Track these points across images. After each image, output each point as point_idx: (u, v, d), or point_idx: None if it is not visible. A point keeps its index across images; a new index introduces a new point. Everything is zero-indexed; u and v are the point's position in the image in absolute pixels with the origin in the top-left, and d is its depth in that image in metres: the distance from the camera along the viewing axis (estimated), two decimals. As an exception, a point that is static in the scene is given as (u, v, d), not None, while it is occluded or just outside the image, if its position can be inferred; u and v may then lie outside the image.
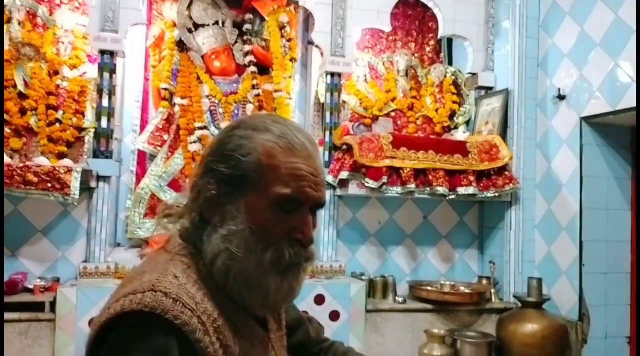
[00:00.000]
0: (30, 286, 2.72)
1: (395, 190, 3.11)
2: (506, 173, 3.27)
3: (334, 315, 2.97)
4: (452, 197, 3.20)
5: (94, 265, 2.86)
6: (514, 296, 3.18)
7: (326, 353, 1.27)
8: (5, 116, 2.87)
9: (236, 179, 0.93)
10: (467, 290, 3.32)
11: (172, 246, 0.98)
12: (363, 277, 3.26)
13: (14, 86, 2.90)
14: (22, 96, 2.92)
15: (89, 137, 2.99)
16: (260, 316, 1.02)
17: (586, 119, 3.07)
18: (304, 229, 0.95)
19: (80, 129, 2.99)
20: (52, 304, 2.64)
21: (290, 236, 0.94)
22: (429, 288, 3.28)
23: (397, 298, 3.21)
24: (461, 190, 3.18)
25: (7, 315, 2.58)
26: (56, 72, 3.04)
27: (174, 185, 3.17)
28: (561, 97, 3.20)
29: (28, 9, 3.07)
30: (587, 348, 2.98)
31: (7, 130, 2.89)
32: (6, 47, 2.95)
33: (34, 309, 2.64)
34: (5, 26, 2.99)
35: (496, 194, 3.25)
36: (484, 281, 3.44)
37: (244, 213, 0.93)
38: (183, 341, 0.83)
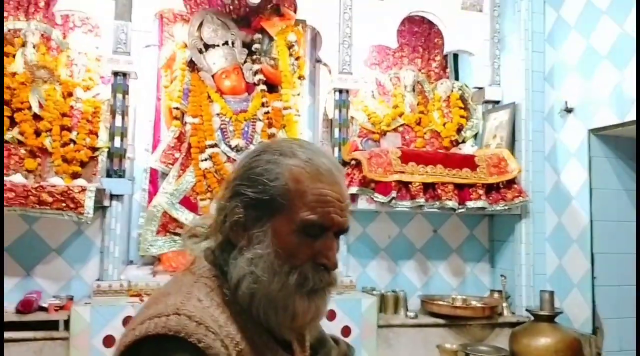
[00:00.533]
0: (45, 305, 2.74)
1: (404, 205, 3.13)
2: (515, 186, 3.28)
3: (346, 331, 2.97)
4: (462, 210, 3.21)
5: (108, 283, 2.89)
6: (527, 309, 3.16)
7: None
8: (21, 137, 2.94)
9: (263, 203, 0.95)
10: (479, 304, 3.31)
11: (197, 268, 1.00)
12: (374, 292, 3.26)
13: (29, 108, 2.97)
14: (37, 118, 2.98)
15: (102, 157, 3.04)
16: (286, 338, 1.02)
17: (594, 131, 3.08)
18: (328, 254, 0.97)
19: (94, 149, 3.05)
20: (67, 323, 2.67)
21: (315, 260, 0.96)
22: (440, 302, 3.27)
23: (408, 313, 3.21)
24: (471, 204, 3.19)
25: (22, 334, 2.61)
26: (70, 94, 3.11)
27: (185, 202, 3.21)
28: (569, 110, 3.22)
29: (43, 33, 3.15)
30: (602, 361, 2.96)
31: (22, 151, 2.95)
32: (21, 70, 3.02)
33: (49, 328, 2.67)
34: (20, 49, 3.07)
35: (506, 207, 3.26)
36: (496, 295, 3.43)
37: (271, 237, 0.94)
38: None
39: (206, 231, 1.04)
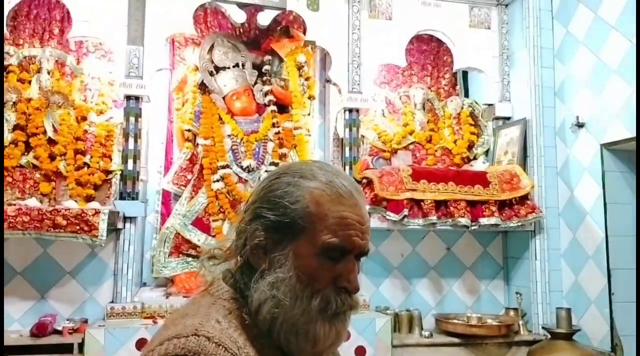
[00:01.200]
0: (59, 328, 2.75)
1: (417, 223, 3.12)
2: (528, 202, 3.26)
3: (360, 351, 2.94)
4: (475, 227, 3.19)
5: (121, 305, 2.89)
6: (543, 327, 3.12)
7: None
8: (36, 162, 2.98)
9: (284, 226, 0.94)
10: (494, 323, 3.26)
11: (216, 289, 0.99)
12: (388, 311, 3.23)
13: (44, 133, 3.01)
14: (51, 142, 3.02)
15: (115, 180, 3.07)
16: None
17: (607, 146, 3.06)
18: (349, 277, 0.96)
19: (107, 172, 3.08)
20: (81, 345, 2.67)
21: (337, 283, 0.95)
22: (455, 321, 3.23)
23: (423, 332, 3.18)
24: (484, 221, 3.17)
25: (37, 358, 2.62)
26: (84, 118, 3.15)
27: (198, 223, 3.23)
28: (580, 125, 3.21)
29: (57, 59, 3.21)
30: (622, 380, 2.90)
31: (37, 175, 2.99)
32: (36, 96, 3.08)
33: (63, 351, 2.67)
34: (35, 76, 3.13)
35: (519, 224, 3.23)
36: (512, 312, 3.38)
37: (292, 260, 0.94)
38: None
39: (224, 253, 1.04)
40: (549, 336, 3.03)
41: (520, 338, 3.20)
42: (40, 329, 2.71)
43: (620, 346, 2.92)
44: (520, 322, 3.28)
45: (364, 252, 0.99)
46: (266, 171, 3.33)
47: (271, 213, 0.95)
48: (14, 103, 3.03)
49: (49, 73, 3.16)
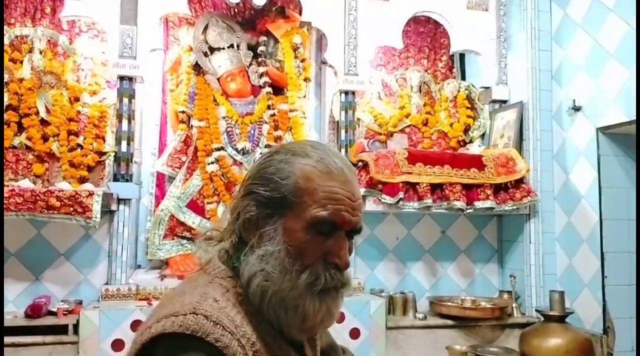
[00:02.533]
0: (54, 310, 2.75)
1: (412, 206, 3.11)
2: (524, 186, 3.26)
3: (354, 333, 2.96)
4: (470, 211, 3.19)
5: (116, 287, 2.89)
6: (537, 310, 3.14)
7: None
8: (29, 143, 2.95)
9: (275, 201, 0.96)
10: (488, 305, 3.28)
11: (212, 268, 1.00)
12: (382, 294, 3.24)
13: (37, 113, 2.98)
14: (44, 123, 2.99)
15: (109, 161, 3.04)
16: (298, 340, 1.02)
17: (603, 130, 3.06)
18: (340, 253, 0.96)
19: (101, 154, 3.05)
20: (76, 327, 2.67)
21: (326, 259, 0.96)
22: (449, 303, 3.25)
23: (417, 314, 3.19)
24: (479, 204, 3.17)
25: (32, 339, 2.62)
26: (77, 99, 3.12)
27: (192, 206, 3.21)
28: (577, 109, 3.20)
29: (49, 39, 3.17)
30: (614, 362, 2.93)
31: (30, 156, 2.96)
32: (29, 76, 3.04)
33: (58, 332, 2.67)
34: (27, 56, 3.08)
35: (514, 207, 3.23)
36: (505, 295, 3.40)
37: (281, 234, 0.95)
38: None
39: (220, 234, 1.05)
40: (542, 318, 3.05)
41: (513, 321, 3.23)
42: (34, 310, 2.70)
43: (612, 329, 2.95)
44: (514, 305, 3.30)
45: (356, 228, 0.99)
46: (261, 153, 3.31)
47: (263, 189, 0.97)
48: (6, 84, 2.98)
49: (41, 53, 3.12)
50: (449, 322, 3.14)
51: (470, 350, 2.99)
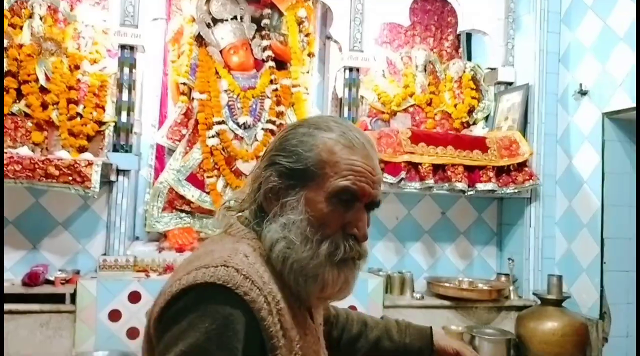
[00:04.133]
0: (52, 279, 2.74)
1: (413, 186, 3.10)
2: (526, 169, 3.24)
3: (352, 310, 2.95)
4: (471, 193, 3.17)
5: (114, 258, 2.87)
6: (534, 293, 3.14)
7: (342, 329, 1.37)
8: (27, 110, 2.91)
9: (297, 172, 0.98)
10: (485, 287, 3.29)
11: (237, 231, 1.03)
12: (380, 273, 3.24)
13: (36, 80, 2.93)
14: (43, 90, 2.94)
15: (109, 131, 3.01)
16: (313, 307, 1.06)
17: (609, 115, 3.02)
18: (358, 224, 0.99)
19: (101, 123, 3.01)
20: (73, 296, 2.67)
21: (345, 230, 0.98)
22: (447, 284, 3.25)
23: (415, 294, 3.20)
24: (480, 186, 3.15)
25: (29, 307, 2.62)
26: (77, 67, 3.07)
27: (192, 179, 3.19)
28: (583, 93, 3.16)
29: (50, 5, 3.10)
30: (608, 346, 2.94)
31: (29, 123, 2.92)
32: (28, 42, 2.98)
33: (55, 301, 2.67)
34: (27, 21, 3.02)
35: (516, 190, 3.22)
36: (503, 278, 3.41)
37: (303, 205, 0.97)
38: (249, 317, 0.87)
39: (239, 204, 1.08)
40: (539, 302, 3.07)
41: (510, 303, 3.23)
42: (32, 278, 2.70)
43: (609, 314, 2.96)
44: (511, 288, 3.30)
45: (375, 202, 1.02)
46: (262, 129, 3.28)
47: (285, 161, 0.99)
48: (5, 49, 2.93)
49: (41, 19, 3.05)
50: (446, 303, 3.15)
51: (467, 331, 3.00)
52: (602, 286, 2.98)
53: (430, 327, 1.45)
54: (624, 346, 2.94)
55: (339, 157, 0.98)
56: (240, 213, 1.07)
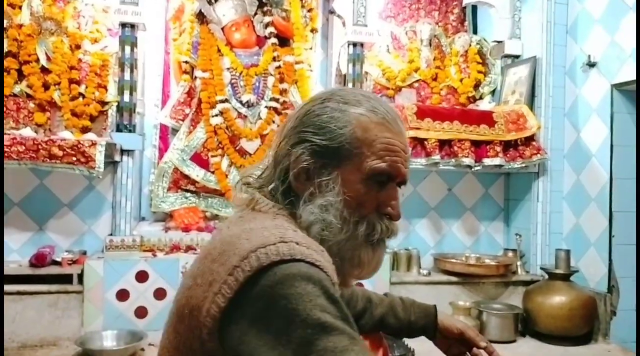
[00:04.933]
0: (59, 259, 2.75)
1: (419, 162, 3.07)
2: (534, 143, 3.20)
3: (358, 287, 2.95)
4: (478, 168, 3.14)
5: (120, 238, 2.88)
6: (541, 268, 3.13)
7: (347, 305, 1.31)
8: (29, 91, 2.89)
9: (331, 151, 0.93)
10: (492, 263, 3.27)
11: (266, 207, 0.96)
12: (387, 250, 3.22)
13: (37, 61, 2.91)
14: (45, 71, 2.92)
15: (112, 111, 2.99)
16: (348, 286, 1.04)
17: (617, 87, 2.97)
18: (392, 203, 0.97)
19: (103, 103, 2.99)
20: (80, 276, 2.68)
21: (380, 210, 0.96)
22: (453, 260, 3.24)
23: (421, 270, 3.19)
24: (487, 161, 3.12)
25: (37, 287, 2.63)
26: (78, 47, 3.04)
27: (196, 159, 3.17)
28: (591, 65, 3.10)
29: (48, -17, 3.06)
30: (616, 320, 2.93)
31: (31, 104, 2.90)
32: (28, 22, 2.94)
33: (63, 282, 2.68)
34: (26, 0, 2.98)
35: (523, 165, 3.19)
36: (510, 253, 3.39)
37: (340, 185, 0.93)
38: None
39: (258, 180, 1.02)
40: (547, 277, 3.05)
41: (517, 279, 3.22)
42: (39, 259, 2.70)
43: (617, 288, 2.94)
44: (519, 263, 3.29)
45: (405, 180, 0.99)
46: (266, 107, 3.24)
47: (317, 138, 0.94)
48: (5, 29, 2.89)
49: (40, -2, 3.02)
50: (453, 279, 3.14)
51: (474, 306, 3.00)
52: (610, 260, 2.96)
53: (435, 306, 1.45)
54: (632, 320, 2.92)
55: (374, 135, 0.94)
56: (260, 192, 1.00)
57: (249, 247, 0.81)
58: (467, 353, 1.45)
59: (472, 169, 3.14)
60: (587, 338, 2.92)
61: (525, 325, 3.01)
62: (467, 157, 3.07)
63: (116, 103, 2.96)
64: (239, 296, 0.79)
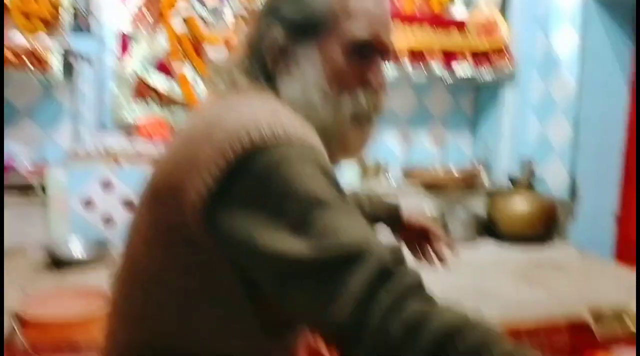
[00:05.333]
0: (19, 169, 2.68)
1: (391, 75, 3.01)
2: (504, 52, 3.15)
3: (327, 197, 2.97)
4: (449, 81, 3.11)
5: (82, 147, 2.80)
6: (508, 177, 3.19)
7: None
8: (-25, -9, 2.68)
9: (307, 23, 0.89)
10: (459, 173, 3.31)
11: (246, 86, 0.90)
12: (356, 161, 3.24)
13: (-20, -43, 2.68)
14: (-10, -31, 2.70)
15: (68, 15, 2.81)
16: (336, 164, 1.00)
17: (591, -7, 2.91)
18: (376, 74, 0.94)
19: (57, 6, 2.81)
20: (43, 186, 2.62)
21: (363, 82, 0.92)
22: (422, 172, 3.27)
23: (390, 181, 3.22)
24: (459, 71, 3.08)
25: (-1, 198, 2.58)
26: (25, -58, 2.80)
27: (160, 67, 3.05)
28: (567, -31, 3.02)
29: None
30: (576, 224, 3.04)
31: (-22, 6, 2.71)
32: None
33: (25, 192, 2.62)
34: None
35: (494, 75, 3.16)
36: (477, 164, 3.44)
37: (320, 60, 0.89)
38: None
39: (228, 64, 0.95)
40: (512, 186, 3.12)
41: (483, 188, 3.29)
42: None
43: (578, 195, 3.02)
44: (485, 173, 3.34)
45: (388, 50, 0.94)
46: (232, 13, 3.10)
47: (292, 12, 0.89)
48: None
49: None
50: (421, 189, 3.19)
51: (440, 215, 3.06)
52: (573, 169, 3.02)
53: (399, 203, 1.49)
54: (590, 224, 3.03)
55: (353, 3, 0.89)
56: (231, 75, 0.93)
57: (239, 124, 0.75)
58: (428, 245, 1.49)
59: (443, 79, 3.10)
60: (545, 240, 3.02)
61: (489, 230, 3.10)
62: (438, 64, 3.03)
63: (73, 8, 2.78)
64: (229, 176, 0.73)
